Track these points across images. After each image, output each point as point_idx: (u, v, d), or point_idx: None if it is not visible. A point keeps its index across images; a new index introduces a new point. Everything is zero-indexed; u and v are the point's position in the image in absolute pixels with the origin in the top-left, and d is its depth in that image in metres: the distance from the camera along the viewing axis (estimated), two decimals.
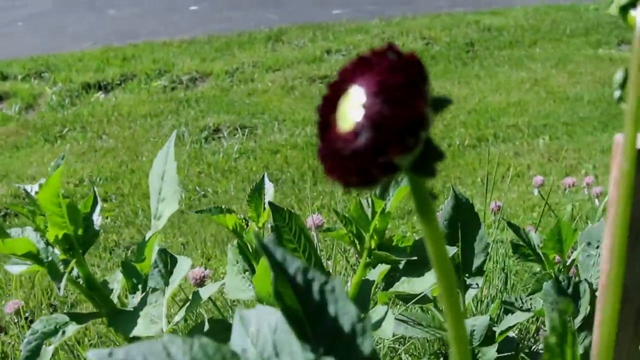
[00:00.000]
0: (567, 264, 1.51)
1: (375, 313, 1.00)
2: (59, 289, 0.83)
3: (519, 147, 3.63)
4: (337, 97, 0.39)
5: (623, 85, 0.49)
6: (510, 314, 1.48)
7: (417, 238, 0.99)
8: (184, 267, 1.08)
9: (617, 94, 0.49)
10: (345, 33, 5.83)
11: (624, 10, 0.51)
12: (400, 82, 0.36)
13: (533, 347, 1.73)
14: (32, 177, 3.44)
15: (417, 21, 6.12)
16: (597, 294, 1.40)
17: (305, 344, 0.49)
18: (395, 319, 1.45)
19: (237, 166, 3.53)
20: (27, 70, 5.14)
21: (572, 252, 1.56)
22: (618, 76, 0.50)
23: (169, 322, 1.05)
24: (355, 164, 0.36)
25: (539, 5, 6.50)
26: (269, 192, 1.14)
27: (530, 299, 1.53)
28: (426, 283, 0.93)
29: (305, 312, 0.46)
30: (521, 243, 1.50)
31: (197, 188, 3.30)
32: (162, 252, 1.07)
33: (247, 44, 5.64)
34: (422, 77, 0.37)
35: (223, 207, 1.10)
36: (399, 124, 0.35)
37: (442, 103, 0.38)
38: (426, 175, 0.37)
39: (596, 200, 2.31)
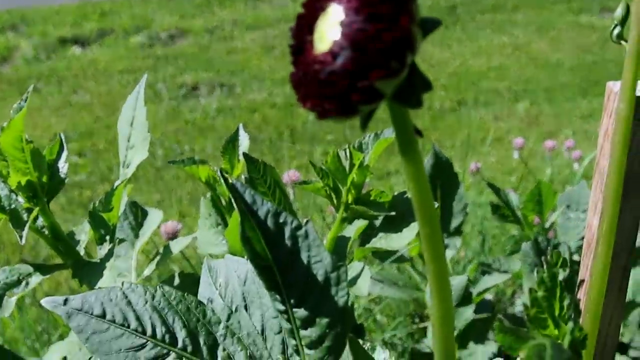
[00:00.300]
0: (547, 226, 1.49)
1: (351, 269, 0.97)
2: (20, 237, 0.79)
3: (498, 111, 3.60)
4: (314, 16, 0.35)
5: (623, 21, 0.46)
6: (487, 275, 1.46)
7: (395, 193, 0.96)
8: (155, 220, 1.05)
9: (616, 31, 0.46)
10: None
11: None
12: None
13: (509, 310, 1.72)
14: None
15: None
16: (580, 254, 1.39)
17: (275, 294, 0.45)
18: (371, 278, 1.42)
19: (214, 124, 3.48)
20: (2, 23, 5.02)
21: (551, 215, 1.55)
22: (618, 12, 0.46)
23: (138, 276, 1.01)
24: (332, 89, 0.32)
25: None
26: (244, 143, 1.09)
27: (508, 261, 1.51)
28: (404, 239, 0.90)
29: (276, 260, 0.43)
30: (500, 204, 1.47)
31: (174, 145, 3.25)
32: (133, 204, 1.03)
33: (228, 1, 5.55)
34: None
35: (196, 158, 1.06)
36: (382, 44, 0.31)
37: (431, 25, 0.34)
38: (411, 105, 0.33)
39: (575, 164, 2.29)
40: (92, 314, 0.46)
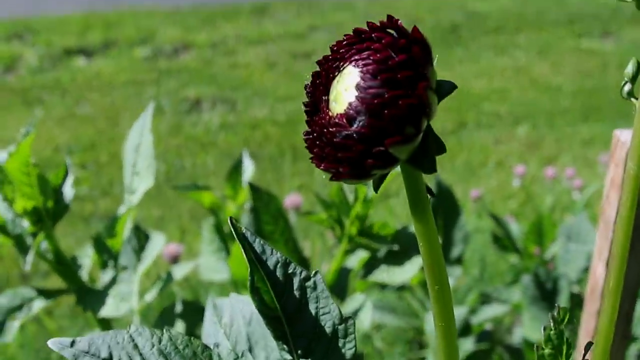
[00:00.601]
0: (547, 258, 1.49)
1: (353, 301, 0.97)
2: (24, 263, 0.79)
3: (499, 134, 3.61)
4: (329, 75, 0.35)
5: (634, 78, 0.46)
6: (487, 305, 1.46)
7: (398, 227, 0.96)
8: (158, 244, 1.05)
9: (626, 88, 0.46)
10: (330, 10, 5.77)
11: None
12: (402, 62, 0.32)
13: (507, 339, 1.71)
14: (8, 140, 3.37)
15: (403, 1, 6.07)
16: (580, 286, 1.39)
17: (283, 344, 0.45)
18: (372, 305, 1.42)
19: (216, 140, 3.48)
20: (7, 32, 5.04)
21: (551, 246, 1.55)
22: (629, 69, 0.46)
23: (140, 300, 1.01)
24: (347, 152, 0.32)
25: None
26: (248, 170, 1.10)
27: (507, 291, 1.51)
28: (406, 273, 0.90)
29: (284, 310, 0.43)
30: (501, 235, 1.48)
31: (176, 161, 3.25)
32: (136, 228, 1.03)
33: (232, 16, 5.57)
34: (427, 58, 0.33)
35: (200, 184, 1.06)
36: (398, 110, 0.31)
37: (447, 88, 0.34)
38: (425, 170, 0.34)
39: (575, 192, 2.29)
40: (99, 357, 0.46)
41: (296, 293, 0.43)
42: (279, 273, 0.43)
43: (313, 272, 0.44)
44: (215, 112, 3.85)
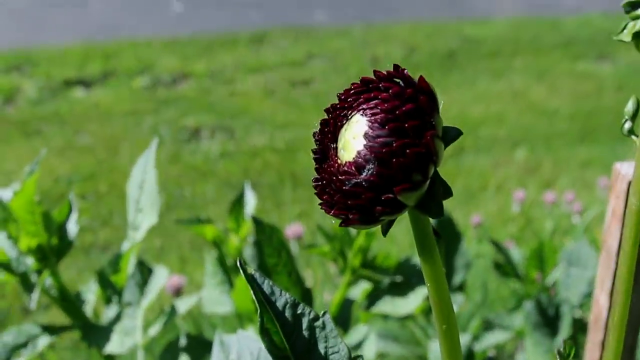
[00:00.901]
0: (549, 284, 1.50)
1: (357, 332, 0.97)
2: (30, 301, 0.79)
3: (498, 158, 3.62)
4: (337, 124, 0.36)
5: (634, 116, 0.47)
6: (489, 332, 1.46)
7: (401, 257, 0.96)
8: (161, 278, 1.05)
9: (627, 125, 0.47)
10: (327, 37, 5.80)
11: (638, 37, 0.49)
12: (409, 112, 0.33)
13: None
14: (8, 173, 3.38)
15: (399, 28, 6.11)
16: (582, 309, 1.39)
17: None
18: (375, 333, 1.42)
19: (216, 169, 3.49)
20: (6, 64, 5.06)
21: (553, 271, 1.55)
22: (629, 107, 0.47)
23: (144, 333, 1.01)
24: (356, 200, 0.33)
25: (520, 17, 6.52)
26: (250, 203, 1.11)
27: (509, 316, 1.52)
28: (410, 304, 0.90)
29: (293, 351, 0.43)
30: (502, 262, 1.48)
31: (175, 190, 3.25)
32: (140, 263, 1.04)
33: (230, 44, 5.60)
34: (433, 106, 0.34)
35: (201, 217, 1.06)
36: (406, 159, 0.32)
37: (454, 134, 0.35)
38: (432, 215, 0.34)
39: (575, 216, 2.30)
40: None
41: (305, 333, 0.44)
42: (287, 314, 0.44)
43: (322, 312, 0.44)
44: (214, 140, 3.87)
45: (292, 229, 1.60)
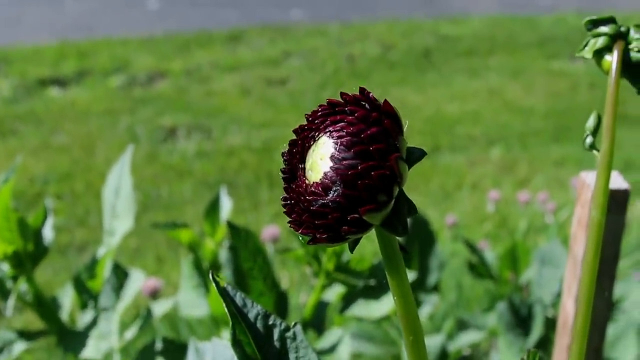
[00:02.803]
0: (522, 284, 1.52)
1: (331, 335, 0.98)
2: (6, 308, 0.80)
3: (473, 157, 3.65)
4: (305, 144, 0.37)
5: (595, 132, 0.48)
6: (464, 332, 1.48)
7: (375, 260, 0.98)
8: (137, 282, 1.06)
9: (588, 140, 0.48)
10: (303, 36, 5.81)
11: (599, 54, 0.50)
12: (374, 135, 0.34)
13: None
14: None
15: (375, 26, 6.13)
16: (555, 309, 1.41)
17: None
18: (349, 334, 1.44)
19: (192, 168, 3.49)
20: None
21: (526, 271, 1.57)
22: (590, 122, 0.49)
23: (120, 337, 1.02)
24: (323, 220, 0.34)
25: (495, 16, 6.57)
26: (226, 207, 1.11)
27: (483, 316, 1.54)
28: (383, 307, 0.92)
29: None
30: (476, 262, 1.50)
31: (152, 190, 3.25)
32: (116, 267, 1.04)
33: (206, 43, 5.59)
34: (398, 129, 0.36)
35: (177, 221, 1.07)
36: (371, 181, 0.33)
37: (417, 155, 0.37)
38: (399, 233, 0.36)
39: (548, 215, 2.33)
40: None
41: (277, 344, 0.45)
42: (259, 325, 0.45)
43: (293, 323, 0.45)
44: (190, 140, 3.87)
45: (268, 231, 1.61)
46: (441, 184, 3.31)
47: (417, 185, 3.28)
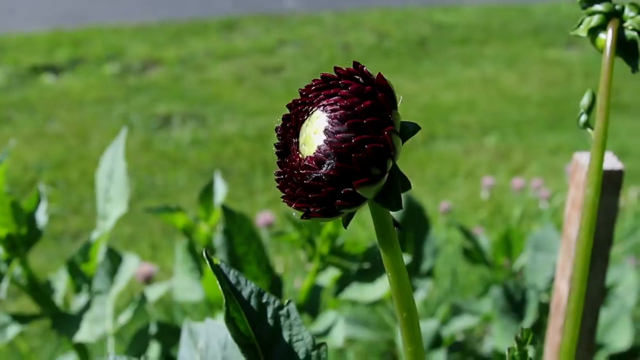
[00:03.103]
0: (516, 269, 1.52)
1: (325, 319, 0.98)
2: (0, 291, 0.80)
3: (468, 145, 3.65)
4: (299, 119, 0.37)
5: (589, 110, 0.48)
6: (458, 317, 1.48)
7: (369, 243, 0.98)
8: (131, 267, 1.06)
9: (582, 118, 0.48)
10: (298, 24, 5.80)
11: (593, 32, 0.50)
12: (368, 108, 0.34)
13: (478, 349, 1.74)
14: None
15: (370, 15, 6.12)
16: (549, 294, 1.42)
17: None
18: (344, 318, 1.44)
19: (187, 156, 3.49)
20: None
21: (520, 257, 1.58)
22: (584, 100, 0.49)
23: (114, 321, 1.02)
24: (317, 194, 0.34)
25: (490, 4, 6.56)
26: (220, 191, 1.11)
27: (477, 302, 1.54)
28: (378, 290, 0.92)
29: (259, 338, 0.44)
30: (471, 248, 1.50)
31: (147, 178, 3.24)
32: (110, 251, 1.04)
33: (200, 31, 5.58)
34: (392, 103, 0.35)
35: (172, 205, 1.07)
36: (365, 154, 0.33)
37: (411, 129, 0.36)
38: (391, 207, 0.35)
39: (543, 202, 2.33)
40: None
41: (270, 322, 0.45)
42: (253, 303, 0.45)
43: (286, 301, 0.45)
44: (185, 128, 3.86)
45: (263, 217, 1.61)
46: (436, 172, 3.31)
47: (412, 173, 3.28)
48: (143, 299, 1.02)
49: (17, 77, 4.58)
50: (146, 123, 3.89)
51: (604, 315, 1.45)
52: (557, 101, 4.23)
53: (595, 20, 0.50)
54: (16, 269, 0.92)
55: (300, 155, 0.35)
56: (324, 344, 0.44)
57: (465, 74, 4.77)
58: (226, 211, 0.92)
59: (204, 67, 4.83)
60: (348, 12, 6.19)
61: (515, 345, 0.45)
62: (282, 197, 0.36)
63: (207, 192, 1.12)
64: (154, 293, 1.08)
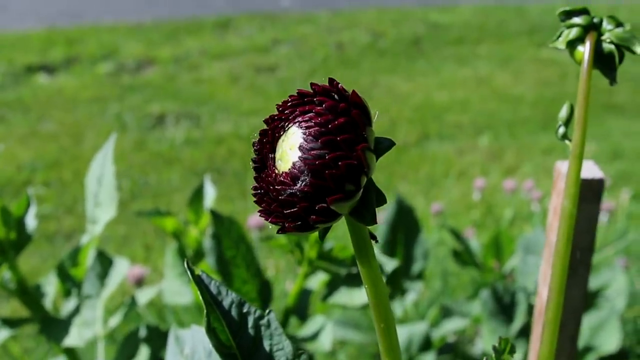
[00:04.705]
0: (506, 272, 1.53)
1: (314, 323, 0.99)
2: None
3: (462, 145, 3.66)
4: (275, 134, 0.38)
5: (567, 122, 0.49)
6: (448, 319, 1.49)
7: None
8: (121, 270, 1.06)
9: (561, 130, 0.49)
10: (293, 23, 5.80)
11: (572, 45, 0.51)
12: (342, 125, 0.35)
13: (469, 350, 1.75)
14: None
15: (365, 14, 6.13)
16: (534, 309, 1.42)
17: None
18: (335, 321, 1.45)
19: (181, 156, 3.49)
20: None
21: (510, 259, 1.58)
22: (562, 112, 0.49)
23: (104, 324, 1.02)
24: (291, 209, 0.35)
25: (485, 4, 6.57)
26: (209, 195, 1.12)
27: (468, 304, 1.55)
28: (365, 295, 0.92)
29: (240, 348, 0.45)
30: (461, 250, 1.51)
31: (140, 177, 3.25)
32: (100, 254, 1.04)
33: (195, 30, 5.58)
34: (366, 120, 0.36)
35: (162, 209, 1.07)
36: (338, 171, 0.34)
37: (386, 145, 0.37)
38: (367, 222, 0.36)
39: (535, 203, 2.34)
40: None
41: (251, 331, 0.45)
42: (234, 313, 0.45)
43: (267, 311, 0.46)
44: (179, 127, 3.86)
45: (254, 219, 1.61)
46: (429, 172, 3.31)
47: (405, 174, 3.29)
48: (133, 302, 1.02)
49: (10, 76, 4.57)
50: (140, 122, 3.89)
51: (593, 317, 1.46)
52: (551, 101, 4.24)
53: (573, 33, 0.50)
54: (5, 273, 0.93)
55: (276, 171, 0.36)
56: (304, 352, 0.45)
57: (460, 73, 4.78)
58: (215, 215, 0.93)
59: (198, 67, 4.83)
60: (343, 11, 6.19)
61: (493, 355, 0.46)
62: (259, 211, 0.37)
63: (197, 196, 1.12)
64: (144, 296, 1.08)
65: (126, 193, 3.04)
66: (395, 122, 3.92)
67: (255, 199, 0.37)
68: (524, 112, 4.11)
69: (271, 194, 0.35)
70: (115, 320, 1.01)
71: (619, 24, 0.50)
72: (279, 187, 0.35)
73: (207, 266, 0.98)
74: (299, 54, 5.06)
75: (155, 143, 3.64)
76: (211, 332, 0.45)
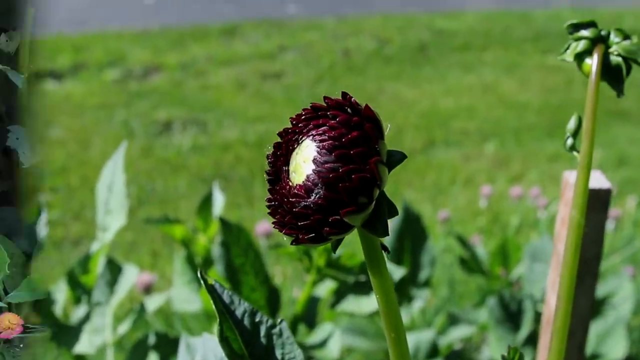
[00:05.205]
0: (512, 280, 1.53)
1: (322, 330, 0.99)
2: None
3: (468, 152, 3.66)
4: (289, 147, 0.39)
5: (575, 133, 0.49)
6: (455, 326, 1.49)
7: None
8: (130, 277, 1.07)
9: (569, 142, 0.50)
10: (299, 30, 5.81)
11: (579, 57, 0.51)
12: (355, 139, 0.35)
13: (476, 357, 1.75)
14: None
15: (371, 21, 6.13)
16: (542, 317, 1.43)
17: None
18: (342, 328, 1.45)
19: (188, 163, 3.50)
20: None
21: (517, 266, 1.59)
22: (570, 124, 0.50)
23: (113, 331, 1.03)
24: (305, 221, 0.35)
25: (490, 11, 6.57)
26: (218, 203, 1.13)
27: (475, 311, 1.55)
28: (373, 303, 0.93)
29: (252, 357, 0.46)
30: (468, 258, 1.51)
31: (147, 184, 3.26)
32: (110, 262, 1.05)
33: (201, 37, 5.59)
34: (378, 133, 0.37)
35: (171, 217, 1.08)
36: (351, 184, 0.35)
37: (398, 158, 0.38)
38: (379, 234, 0.37)
39: (541, 210, 2.34)
40: None
41: (263, 340, 0.46)
42: (246, 322, 0.46)
43: (279, 320, 0.47)
44: (186, 134, 3.87)
45: (262, 226, 1.62)
46: (435, 179, 3.32)
47: (411, 181, 3.29)
48: (142, 309, 1.03)
49: None
50: (147, 129, 3.90)
51: (600, 325, 1.46)
52: (557, 108, 4.24)
53: (581, 45, 0.51)
54: None
55: (290, 183, 0.37)
56: None
57: (465, 80, 4.79)
58: (224, 223, 0.94)
59: (204, 73, 4.85)
60: (349, 18, 6.20)
61: None
62: (273, 222, 0.37)
63: (206, 204, 1.13)
64: (153, 303, 1.09)
65: (133, 199, 3.05)
66: (401, 128, 3.92)
67: (269, 211, 0.38)
68: (530, 119, 4.11)
69: (285, 206, 0.36)
70: (124, 328, 1.02)
71: (626, 37, 0.51)
72: (293, 200, 0.36)
73: (215, 274, 0.98)
74: (305, 61, 5.07)
75: (162, 149, 3.65)
76: (224, 341, 0.45)
